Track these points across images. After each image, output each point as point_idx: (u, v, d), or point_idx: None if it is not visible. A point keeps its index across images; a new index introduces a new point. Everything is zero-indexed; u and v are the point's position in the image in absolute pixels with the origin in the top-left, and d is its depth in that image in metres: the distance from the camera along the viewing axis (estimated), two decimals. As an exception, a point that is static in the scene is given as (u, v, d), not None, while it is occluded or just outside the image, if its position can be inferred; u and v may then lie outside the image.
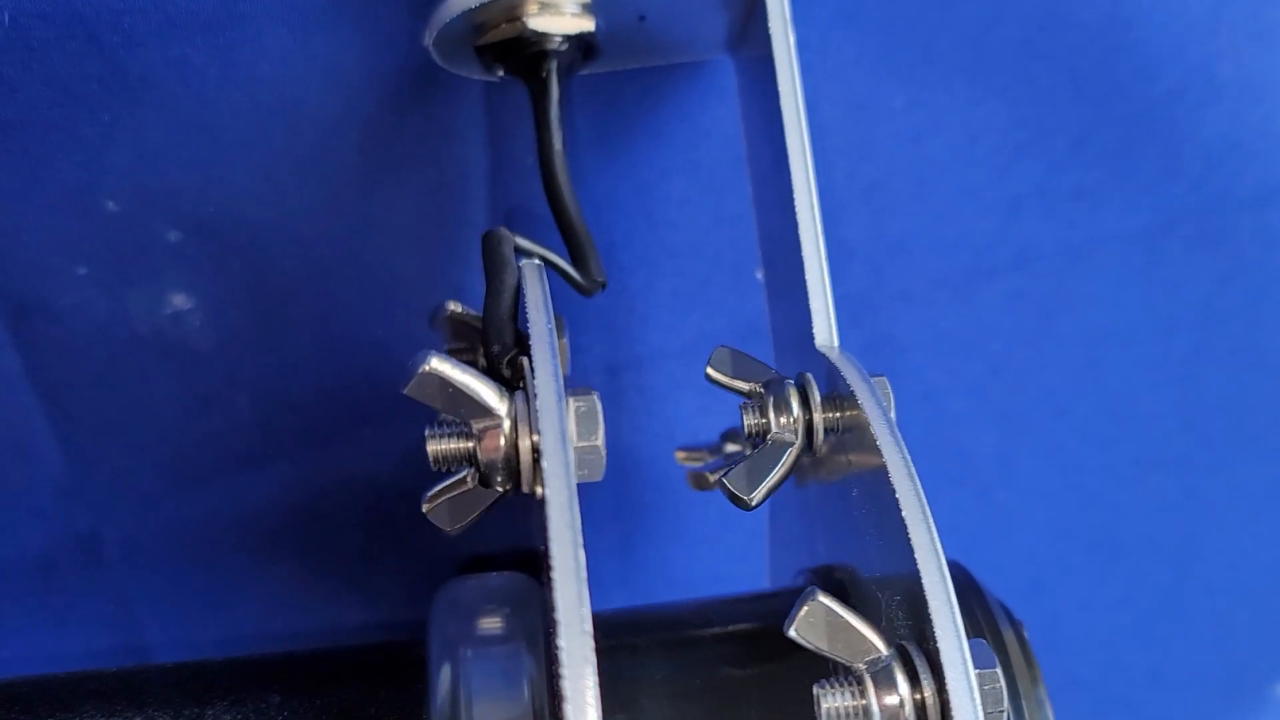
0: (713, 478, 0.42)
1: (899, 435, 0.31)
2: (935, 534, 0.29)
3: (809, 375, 0.35)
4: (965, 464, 0.54)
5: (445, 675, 0.34)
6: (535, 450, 0.29)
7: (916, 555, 0.29)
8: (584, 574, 0.26)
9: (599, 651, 0.25)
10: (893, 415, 0.33)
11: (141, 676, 0.36)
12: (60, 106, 0.41)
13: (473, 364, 0.39)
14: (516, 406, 0.30)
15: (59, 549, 0.49)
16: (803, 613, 0.29)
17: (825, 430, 0.34)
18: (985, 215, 0.49)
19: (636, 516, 0.53)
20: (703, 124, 0.47)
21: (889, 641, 0.29)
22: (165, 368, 0.47)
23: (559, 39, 0.40)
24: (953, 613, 0.28)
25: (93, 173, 0.43)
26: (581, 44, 0.41)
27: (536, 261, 0.36)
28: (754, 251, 0.45)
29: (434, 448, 0.30)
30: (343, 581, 0.52)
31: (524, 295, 0.33)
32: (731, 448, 0.44)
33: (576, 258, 0.40)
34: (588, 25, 0.41)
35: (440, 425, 0.30)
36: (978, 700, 0.27)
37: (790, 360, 0.42)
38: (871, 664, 0.29)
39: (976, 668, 0.28)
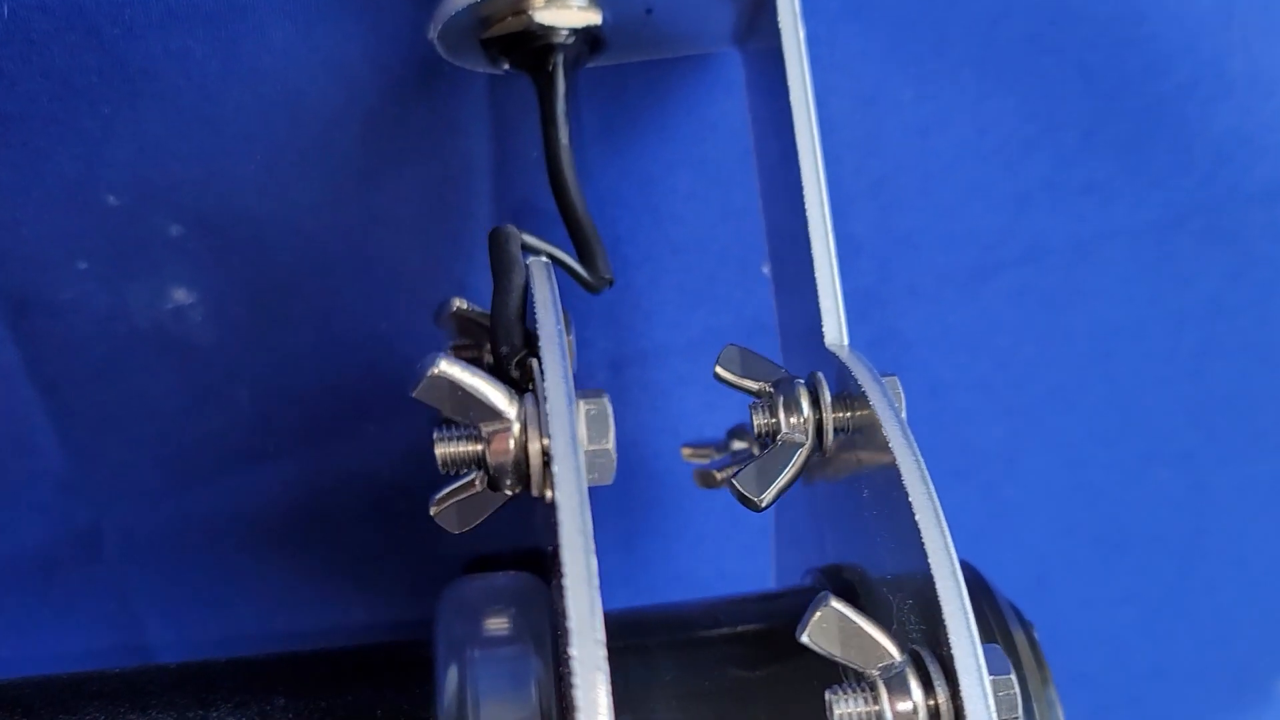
0: (720, 476, 0.42)
1: (911, 437, 0.31)
2: (949, 538, 0.29)
3: (819, 375, 0.34)
4: (971, 459, 0.53)
5: (452, 676, 0.33)
6: (545, 454, 0.29)
7: (930, 560, 0.29)
8: (596, 581, 0.26)
9: (607, 653, 0.25)
10: (904, 415, 0.33)
11: (144, 677, 0.36)
12: (60, 99, 0.41)
13: (478, 361, 0.39)
14: (526, 409, 0.29)
15: (59, 545, 0.49)
16: (815, 618, 0.29)
17: (836, 430, 0.34)
18: (993, 210, 0.49)
19: (640, 512, 0.52)
20: (709, 117, 0.47)
21: (902, 647, 0.29)
22: (166, 363, 0.46)
23: (565, 32, 0.40)
24: (967, 619, 0.28)
25: (93, 166, 0.42)
26: (588, 37, 0.41)
27: (544, 259, 0.35)
28: (760, 246, 0.45)
29: (442, 450, 0.30)
30: (345, 578, 0.51)
31: (532, 295, 0.33)
32: (738, 445, 0.43)
33: (584, 254, 0.39)
34: (594, 18, 0.40)
35: (449, 428, 0.30)
36: (992, 707, 0.27)
37: (798, 357, 0.41)
38: (885, 670, 0.28)
39: (991, 674, 0.28)
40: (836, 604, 0.28)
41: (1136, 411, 0.53)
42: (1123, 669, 0.58)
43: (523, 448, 0.29)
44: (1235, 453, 0.54)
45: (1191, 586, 0.57)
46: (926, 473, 0.30)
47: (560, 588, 0.26)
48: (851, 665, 0.29)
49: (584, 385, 0.30)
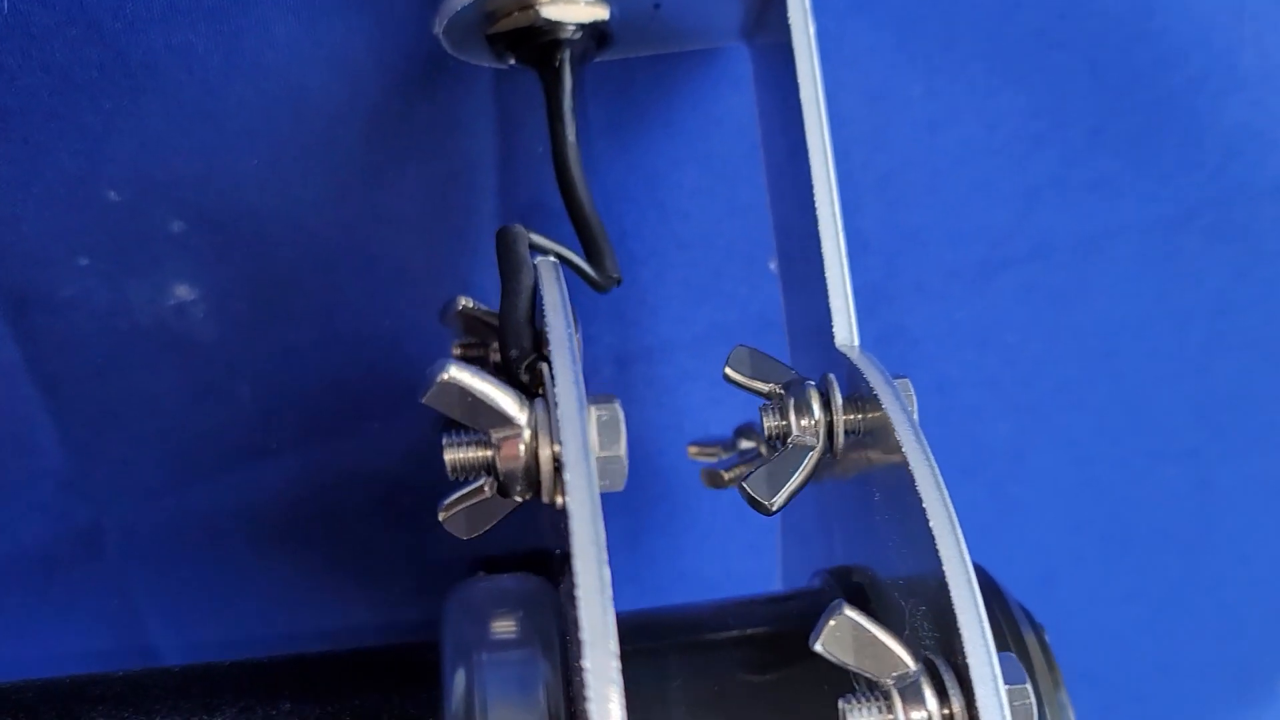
0: (728, 476, 0.42)
1: (925, 442, 0.31)
2: (963, 545, 0.29)
3: (831, 376, 0.34)
4: (978, 456, 0.53)
5: (460, 680, 0.33)
6: (556, 460, 0.28)
7: (945, 567, 0.28)
8: (609, 592, 0.25)
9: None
10: (915, 417, 0.32)
11: (148, 680, 0.36)
12: (60, 94, 0.40)
13: (484, 360, 0.38)
14: (537, 415, 0.29)
15: (60, 543, 0.49)
16: (829, 626, 0.28)
17: (847, 432, 0.34)
18: (1001, 206, 0.49)
19: (646, 509, 0.52)
20: (716, 113, 0.46)
21: (916, 655, 0.28)
22: (167, 359, 0.46)
23: (572, 27, 0.40)
24: (982, 628, 0.28)
25: (94, 161, 0.42)
26: (595, 32, 0.41)
27: (552, 259, 0.35)
28: (767, 242, 0.45)
29: (452, 456, 0.30)
30: (347, 575, 0.51)
31: (541, 297, 0.32)
32: (746, 444, 0.43)
33: (591, 253, 0.39)
34: (601, 13, 0.40)
35: (458, 433, 0.30)
36: (1009, 717, 0.27)
37: (807, 355, 0.41)
38: (899, 679, 0.28)
39: (1006, 683, 0.27)
40: (850, 612, 0.28)
41: (1143, 408, 0.53)
42: (1129, 665, 0.58)
43: (533, 454, 0.29)
44: (1242, 449, 0.54)
45: (1197, 583, 0.56)
46: (940, 478, 0.30)
47: (573, 598, 0.26)
48: (865, 674, 0.28)
49: (590, 381, 0.30)
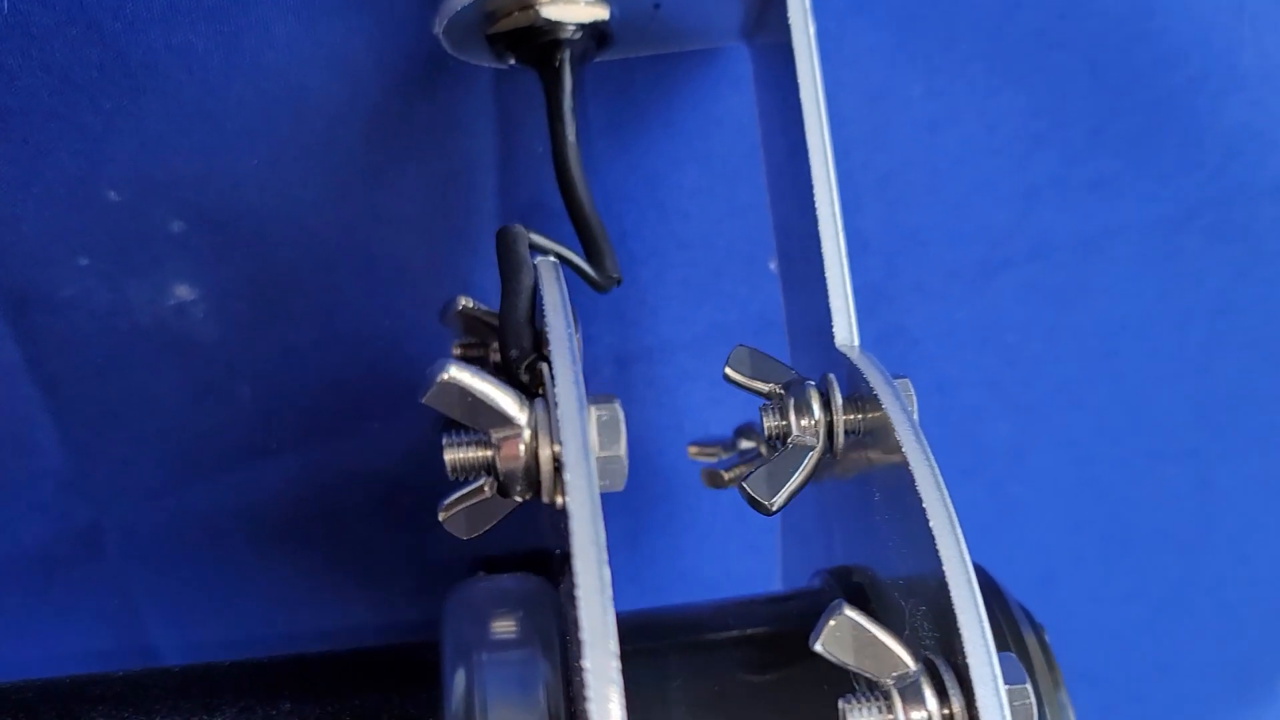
0: (728, 476, 0.41)
1: (925, 442, 0.31)
2: (964, 545, 0.29)
3: (831, 376, 0.34)
4: (977, 456, 0.53)
5: (460, 680, 0.33)
6: (556, 460, 0.28)
7: (945, 568, 0.28)
8: (610, 593, 0.25)
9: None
10: (915, 417, 0.32)
11: (148, 680, 0.36)
12: (60, 94, 0.40)
13: (484, 360, 0.38)
14: (537, 415, 0.29)
15: (60, 543, 0.48)
16: (829, 626, 0.28)
17: (847, 432, 0.34)
18: (1001, 206, 0.49)
19: (646, 509, 0.52)
20: (715, 112, 0.46)
21: (916, 655, 0.28)
22: (167, 359, 0.46)
23: (572, 28, 0.40)
24: (982, 628, 0.28)
25: (94, 161, 0.42)
26: (595, 32, 0.40)
27: (552, 259, 0.35)
28: (767, 242, 0.45)
29: (452, 456, 0.30)
30: (347, 575, 0.51)
31: (541, 297, 0.32)
32: (746, 444, 0.43)
33: (591, 253, 0.39)
34: (601, 13, 0.40)
35: (458, 433, 0.30)
36: (1009, 717, 0.27)
37: (807, 355, 0.41)
38: (899, 679, 0.28)
39: (1007, 683, 0.27)
40: (850, 612, 0.28)
41: (1143, 408, 0.53)
42: (1129, 665, 0.58)
43: (533, 454, 0.29)
44: (1242, 450, 0.54)
45: (1197, 583, 0.56)
46: (940, 478, 0.30)
47: (573, 598, 0.26)
48: (865, 674, 0.28)
49: (590, 381, 0.30)
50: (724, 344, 0.48)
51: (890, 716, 0.28)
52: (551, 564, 0.36)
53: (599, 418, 0.29)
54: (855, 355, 0.35)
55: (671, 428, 0.50)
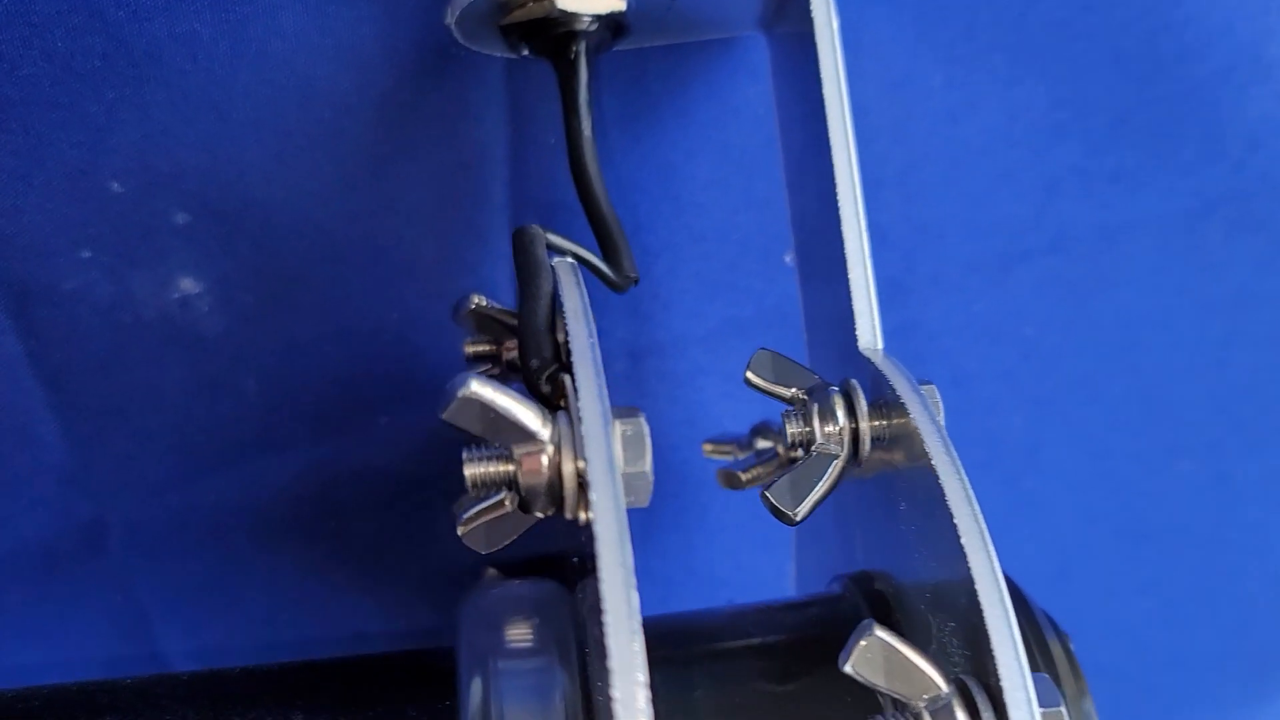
0: (745, 477, 0.41)
1: (955, 453, 0.30)
2: (996, 562, 0.28)
3: (854, 382, 0.33)
4: (993, 449, 0.53)
5: (476, 689, 0.33)
6: (580, 476, 0.28)
7: (978, 587, 0.28)
8: (639, 619, 0.25)
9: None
10: (941, 420, 0.32)
11: (157, 688, 0.35)
12: (62, 84, 0.39)
13: (497, 357, 0.38)
14: (560, 429, 0.28)
15: (62, 539, 0.48)
16: (859, 647, 0.28)
17: (872, 439, 0.33)
18: (1021, 197, 0.48)
19: (658, 504, 0.52)
20: (732, 103, 0.46)
21: (947, 677, 0.28)
22: (172, 353, 0.45)
23: (588, 19, 0.39)
24: (1016, 650, 0.27)
25: (96, 152, 0.41)
26: (611, 23, 0.40)
27: (570, 260, 0.34)
28: (783, 236, 0.44)
29: (472, 471, 0.29)
30: (353, 571, 0.51)
31: (562, 303, 0.31)
32: (763, 444, 0.42)
33: (608, 251, 0.38)
34: (618, 4, 0.39)
35: (479, 448, 0.29)
36: (1043, 741, 0.26)
37: (825, 351, 0.40)
38: (931, 701, 0.28)
39: (1041, 706, 0.27)
40: (881, 633, 0.28)
41: (1161, 402, 0.53)
42: (1143, 659, 0.58)
43: (556, 469, 0.28)
44: (1259, 444, 0.54)
45: (1213, 577, 0.56)
46: (971, 491, 0.29)
47: (597, 619, 0.25)
48: (896, 695, 0.28)
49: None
50: (739, 339, 0.48)
51: (921, 740, 0.27)
52: (566, 568, 0.35)
53: (624, 432, 0.28)
54: (879, 359, 0.34)
55: (684, 423, 0.50)
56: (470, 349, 0.38)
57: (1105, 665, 0.54)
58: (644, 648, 0.25)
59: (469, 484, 0.29)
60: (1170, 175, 0.48)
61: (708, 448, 0.44)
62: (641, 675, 0.24)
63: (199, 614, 0.50)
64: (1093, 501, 0.54)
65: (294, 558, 0.50)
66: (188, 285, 0.44)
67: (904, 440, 0.32)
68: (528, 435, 0.28)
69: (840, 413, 0.33)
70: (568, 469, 0.28)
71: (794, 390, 0.34)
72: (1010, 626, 0.27)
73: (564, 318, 0.31)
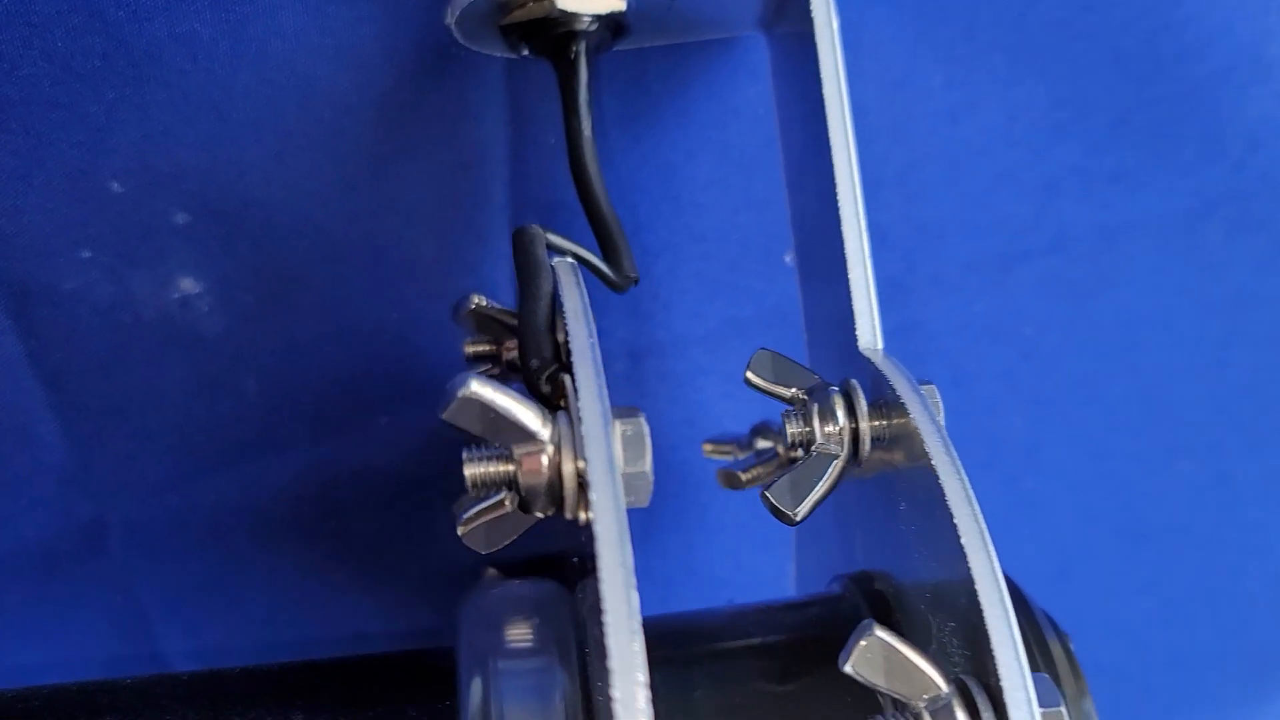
0: (745, 477, 0.41)
1: (955, 455, 0.30)
2: (997, 564, 0.28)
3: (854, 382, 0.33)
4: (993, 449, 0.53)
5: (476, 689, 0.33)
6: (580, 476, 0.28)
7: (978, 588, 0.28)
8: (639, 620, 0.25)
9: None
10: (942, 421, 0.32)
11: (157, 689, 0.35)
12: (62, 84, 0.39)
13: (496, 357, 0.38)
14: (560, 429, 0.28)
15: (62, 539, 0.48)
16: (859, 647, 0.28)
17: (872, 439, 0.33)
18: (1021, 197, 0.48)
19: (658, 504, 0.52)
20: (732, 103, 0.46)
21: (947, 677, 0.28)
22: (172, 353, 0.45)
23: (588, 19, 0.39)
24: (1016, 650, 0.27)
25: (96, 152, 0.41)
26: (611, 23, 0.40)
27: (570, 260, 0.34)
28: (783, 236, 0.44)
29: (472, 471, 0.29)
30: (353, 571, 0.51)
31: (562, 303, 0.31)
32: (763, 444, 0.42)
33: (608, 251, 0.38)
34: (618, 4, 0.39)
35: (479, 448, 0.29)
36: (1043, 741, 0.26)
37: (825, 350, 0.40)
38: (931, 701, 0.28)
39: (1041, 706, 0.27)
40: (881, 633, 0.28)
41: (1161, 402, 0.53)
42: (1143, 659, 0.57)
43: (556, 469, 0.28)
44: (1259, 444, 0.54)
45: (1213, 577, 0.56)
46: (972, 493, 0.29)
47: (597, 620, 0.25)
48: (896, 695, 0.28)
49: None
50: (738, 338, 0.48)
51: (921, 739, 0.27)
52: (566, 568, 0.35)
53: (624, 433, 0.28)
54: (879, 360, 0.34)
55: (684, 422, 0.50)
56: (470, 349, 0.38)
57: (1105, 665, 0.54)
58: (644, 648, 0.25)
59: (469, 484, 0.29)
60: (1170, 175, 0.48)
61: (708, 448, 0.44)
62: (642, 675, 0.24)
63: (199, 614, 0.50)
64: (1093, 501, 0.54)
65: (294, 558, 0.50)
66: (188, 285, 0.44)
67: (904, 440, 0.32)
68: (528, 435, 0.28)
69: (840, 413, 0.33)
70: (568, 469, 0.28)
71: (794, 390, 0.34)
72: (1010, 626, 0.27)
73: (564, 318, 0.31)
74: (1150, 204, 0.48)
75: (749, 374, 0.34)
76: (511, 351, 0.38)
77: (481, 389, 0.28)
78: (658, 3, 0.39)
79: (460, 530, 0.30)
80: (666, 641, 0.36)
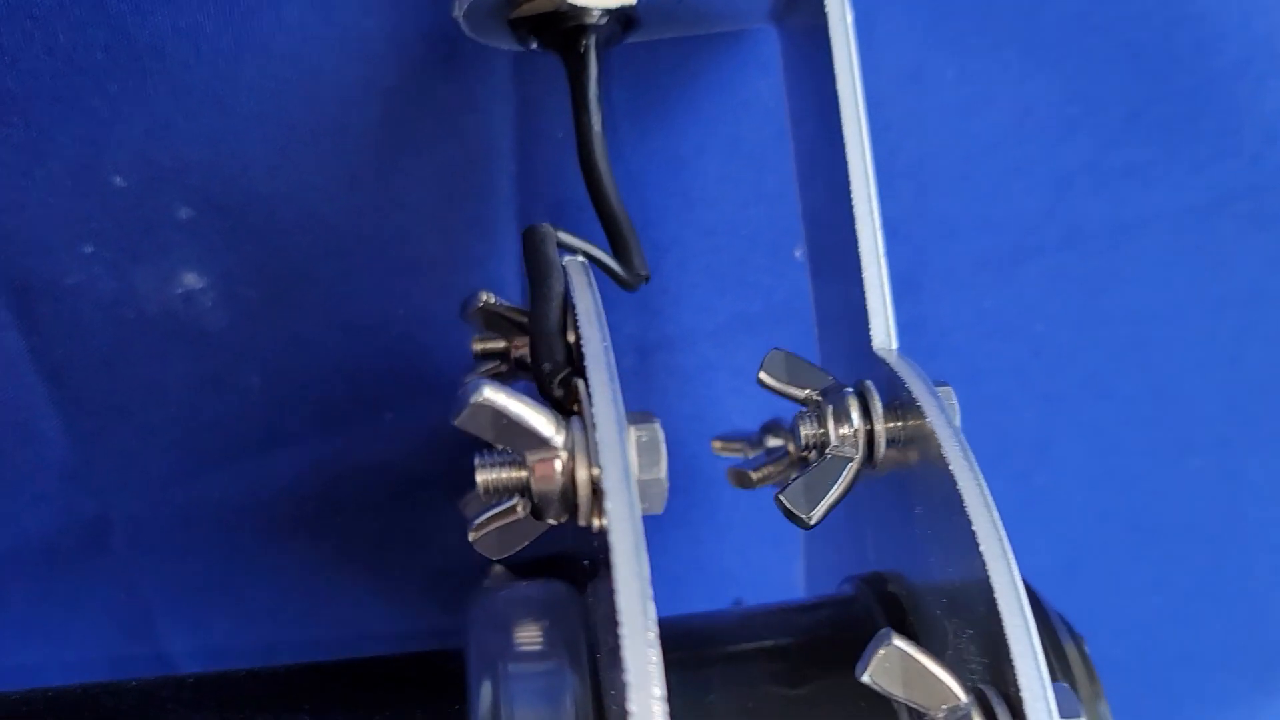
0: (756, 476, 0.40)
1: (973, 459, 0.30)
2: (1015, 570, 0.28)
3: (868, 383, 0.33)
4: (1003, 445, 0.52)
5: (486, 693, 0.32)
6: (594, 483, 0.27)
7: (997, 596, 0.27)
8: (655, 630, 0.24)
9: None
10: (958, 423, 0.31)
11: (162, 691, 0.35)
12: (64, 77, 0.39)
13: (505, 355, 0.37)
14: (574, 436, 0.28)
15: (65, 535, 0.48)
16: (878, 657, 0.27)
17: (888, 441, 0.32)
18: (1034, 192, 0.48)
19: (667, 500, 0.51)
20: (742, 96, 0.45)
21: (966, 686, 0.27)
22: (175, 349, 0.45)
23: (598, 13, 0.38)
24: (1036, 660, 0.27)
25: (99, 147, 0.41)
26: (621, 17, 0.39)
27: (581, 259, 0.34)
28: (794, 230, 0.44)
29: (484, 478, 0.28)
30: (359, 568, 0.50)
31: (574, 305, 0.31)
32: (773, 442, 0.42)
33: (618, 248, 0.38)
34: (629, -2, 0.38)
35: (491, 453, 0.28)
36: (1063, 752, 0.26)
37: (836, 347, 0.40)
38: (950, 711, 0.27)
39: (1062, 717, 0.26)
40: (899, 642, 0.27)
41: (1172, 398, 0.52)
42: (1153, 656, 0.57)
43: (570, 476, 0.28)
44: (1272, 440, 0.54)
45: (1224, 574, 0.56)
46: (989, 496, 0.29)
47: (611, 629, 0.25)
48: (914, 706, 0.28)
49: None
50: (748, 334, 0.47)
51: (941, 751, 0.27)
52: (576, 568, 0.35)
53: (639, 439, 0.28)
54: (894, 360, 0.34)
55: (693, 418, 0.49)
56: (479, 346, 0.38)
57: (1115, 661, 0.54)
58: (660, 659, 0.24)
59: (481, 490, 0.28)
60: (1184, 170, 0.48)
61: (717, 445, 0.44)
62: (658, 689, 0.24)
63: (203, 611, 0.50)
64: (1104, 498, 0.54)
65: (299, 554, 0.49)
66: (191, 280, 0.44)
67: (919, 441, 0.31)
68: (541, 441, 0.28)
69: (855, 415, 0.32)
70: (582, 475, 0.28)
71: (808, 391, 0.34)
72: (1030, 636, 0.27)
73: (576, 320, 0.30)
74: (1164, 199, 0.48)
75: (762, 375, 0.34)
76: (520, 349, 0.37)
77: (494, 395, 0.27)
78: (669, -4, 0.39)
79: (472, 536, 0.30)
80: (680, 644, 0.35)
